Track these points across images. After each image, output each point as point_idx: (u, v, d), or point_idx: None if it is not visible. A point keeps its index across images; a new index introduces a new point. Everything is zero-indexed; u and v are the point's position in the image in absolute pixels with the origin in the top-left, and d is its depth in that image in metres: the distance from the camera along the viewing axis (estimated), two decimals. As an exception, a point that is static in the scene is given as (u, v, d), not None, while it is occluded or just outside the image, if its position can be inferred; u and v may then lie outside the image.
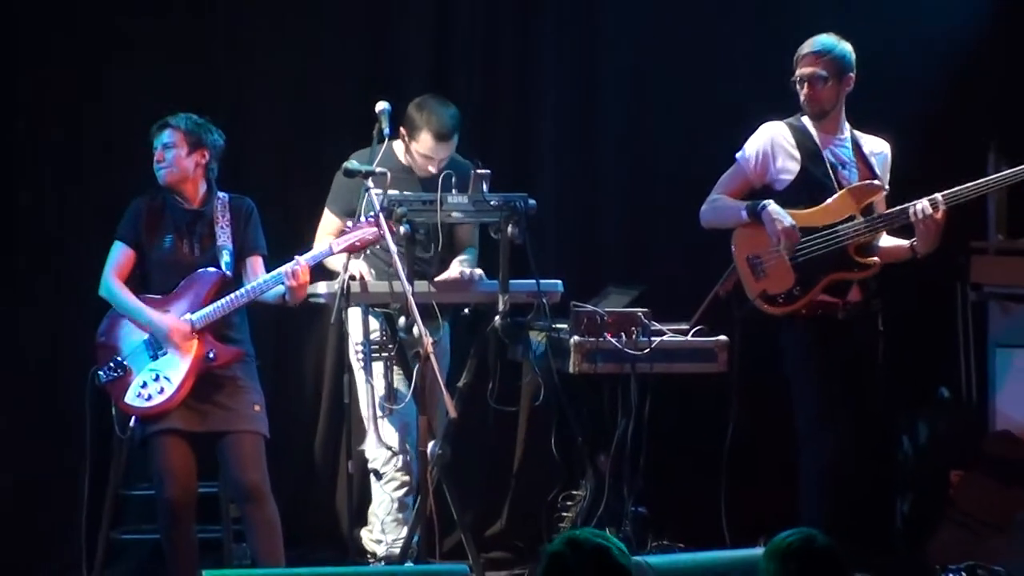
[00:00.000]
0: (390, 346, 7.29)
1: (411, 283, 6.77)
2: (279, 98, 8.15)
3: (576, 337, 7.25)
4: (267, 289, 6.81)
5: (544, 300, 7.18)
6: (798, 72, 7.08)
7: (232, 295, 6.79)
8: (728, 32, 8.46)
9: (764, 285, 7.08)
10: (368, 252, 7.15)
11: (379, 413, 7.32)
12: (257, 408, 6.86)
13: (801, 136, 7.12)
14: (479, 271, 7.27)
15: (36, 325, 7.92)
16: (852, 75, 7.08)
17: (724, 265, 7.19)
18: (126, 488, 7.47)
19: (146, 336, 6.83)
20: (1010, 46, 8.48)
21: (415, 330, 6.72)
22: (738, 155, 7.19)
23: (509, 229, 7.04)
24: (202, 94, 7.77)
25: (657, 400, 7.33)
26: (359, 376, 7.32)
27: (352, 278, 7.00)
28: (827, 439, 7.00)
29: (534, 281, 7.10)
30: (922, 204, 6.93)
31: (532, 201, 7.08)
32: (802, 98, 7.10)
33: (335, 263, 7.08)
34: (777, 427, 7.46)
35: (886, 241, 7.13)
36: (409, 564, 7.11)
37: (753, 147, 7.15)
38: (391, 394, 7.31)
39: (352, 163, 7.03)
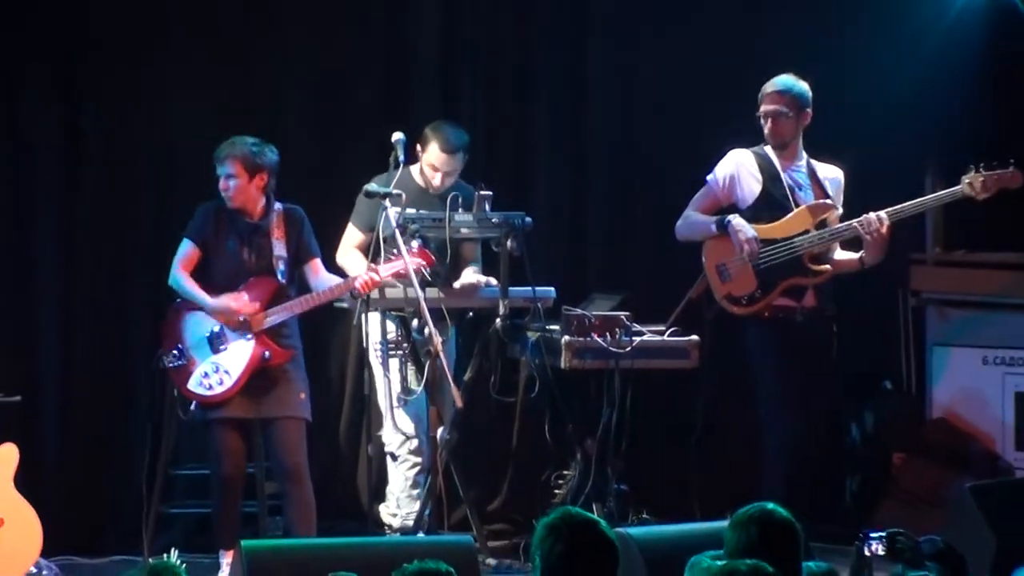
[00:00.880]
0: (404, 345, 7.41)
1: (423, 290, 6.94)
2: (306, 122, 8.19)
3: (567, 337, 7.31)
4: (335, 298, 6.97)
5: (539, 305, 7.36)
6: (762, 108, 7.24)
7: (297, 302, 6.90)
8: (712, 60, 8.45)
9: (729, 288, 7.24)
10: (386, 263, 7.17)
11: (395, 403, 7.44)
12: (302, 396, 6.96)
13: (763, 162, 7.29)
14: (492, 279, 7.39)
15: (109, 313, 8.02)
16: (809, 111, 7.26)
17: (696, 275, 7.35)
18: (174, 467, 7.57)
19: (208, 331, 6.90)
20: (944, 80, 8.48)
21: (426, 331, 6.93)
22: (708, 178, 7.37)
23: (508, 243, 7.21)
24: (239, 112, 7.91)
25: (637, 392, 7.37)
26: (377, 371, 7.47)
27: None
28: (785, 424, 7.15)
29: (530, 288, 7.28)
30: (868, 219, 7.08)
31: (528, 219, 7.28)
32: (766, 131, 7.26)
33: (353, 270, 7.19)
34: (742, 414, 7.57)
35: (839, 254, 7.33)
36: (421, 535, 7.22)
37: (721, 171, 7.32)
38: (405, 387, 7.44)
39: (372, 186, 7.17)
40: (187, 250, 6.99)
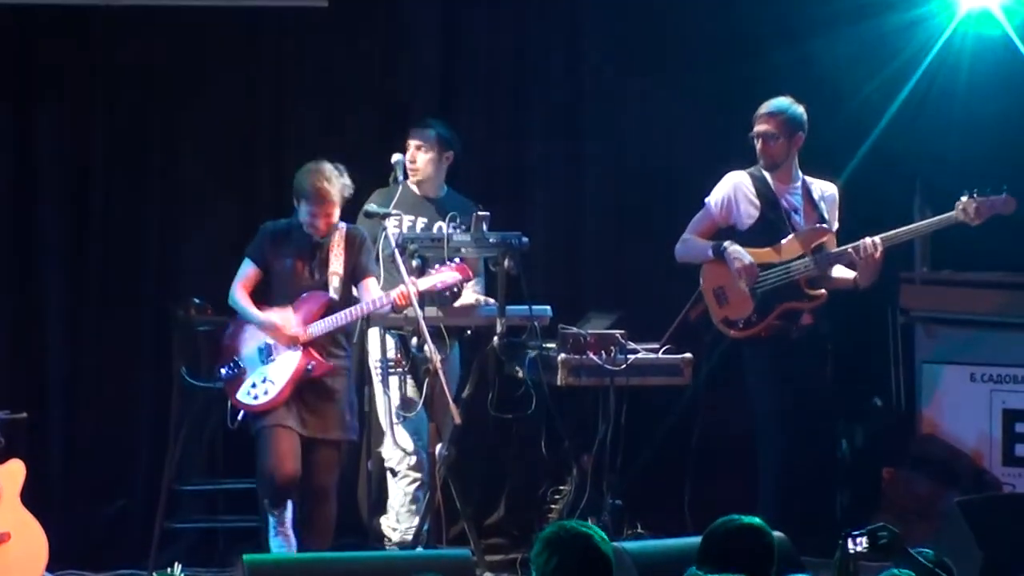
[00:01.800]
0: (404, 363, 7.44)
1: (422, 309, 6.95)
2: (310, 145, 8.17)
3: (563, 355, 7.33)
4: (375, 310, 6.96)
5: (535, 323, 7.37)
6: (755, 129, 7.23)
7: (342, 313, 6.92)
8: (707, 84, 8.47)
9: (726, 312, 7.28)
10: (386, 281, 7.21)
11: (395, 420, 7.46)
12: (348, 417, 7.02)
13: (760, 185, 7.31)
14: (490, 298, 7.41)
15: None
16: (802, 134, 7.28)
17: (689, 294, 7.37)
18: (179, 483, 7.57)
19: (261, 343, 6.95)
20: (932, 109, 8.52)
21: (425, 349, 6.93)
22: (706, 200, 7.41)
23: (506, 262, 7.21)
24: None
25: (632, 408, 7.39)
26: (378, 388, 7.50)
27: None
28: (780, 441, 7.19)
29: (527, 307, 7.30)
30: (863, 244, 7.12)
31: (525, 239, 7.30)
32: (757, 151, 7.23)
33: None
34: (736, 431, 7.61)
35: (836, 272, 7.33)
36: (420, 549, 7.22)
37: (719, 195, 7.36)
38: (405, 403, 7.46)
39: (371, 207, 7.23)
40: (246, 269, 7.06)
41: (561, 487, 7.66)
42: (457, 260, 7.05)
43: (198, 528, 7.71)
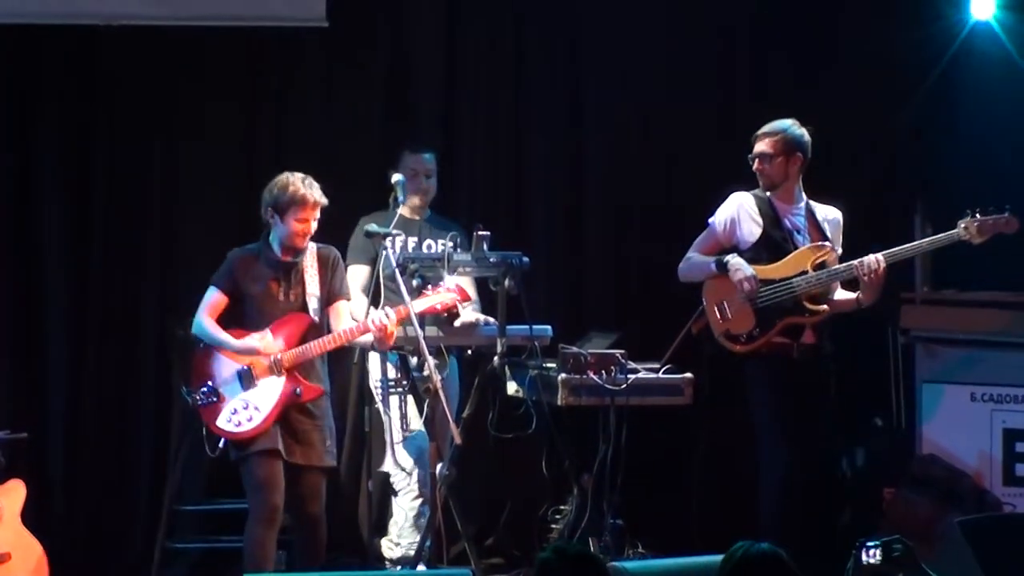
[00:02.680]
0: (405, 382, 7.41)
1: (422, 328, 6.92)
2: (310, 162, 8.19)
3: (563, 374, 7.29)
4: (357, 336, 6.82)
5: (536, 343, 7.33)
6: (753, 150, 7.21)
7: (323, 339, 6.79)
8: (708, 104, 8.56)
9: (728, 326, 7.24)
10: (386, 301, 7.16)
11: (395, 439, 7.45)
12: (328, 443, 6.86)
13: (763, 205, 7.29)
14: (490, 318, 7.40)
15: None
16: (800, 155, 7.24)
17: (691, 314, 7.33)
18: (179, 503, 7.57)
19: (238, 368, 6.76)
20: (931, 127, 8.55)
21: (426, 369, 6.90)
22: (710, 220, 7.38)
23: (506, 282, 7.18)
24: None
25: (632, 428, 7.33)
26: (378, 407, 7.48)
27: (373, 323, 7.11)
28: (782, 459, 7.12)
29: (527, 327, 7.25)
30: (866, 261, 7.09)
31: (526, 259, 7.26)
32: (755, 171, 7.23)
33: (359, 311, 7.14)
34: (740, 448, 7.57)
35: (838, 294, 7.32)
36: (421, 568, 7.20)
37: (723, 215, 7.33)
38: (405, 423, 7.45)
39: (372, 226, 7.19)
40: (212, 297, 6.85)
41: (562, 507, 7.66)
42: (454, 282, 6.98)
43: (199, 548, 7.69)
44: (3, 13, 7.88)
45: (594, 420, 7.41)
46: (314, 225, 6.82)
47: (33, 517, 6.98)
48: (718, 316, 7.25)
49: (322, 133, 8.33)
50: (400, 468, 7.45)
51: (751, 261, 7.19)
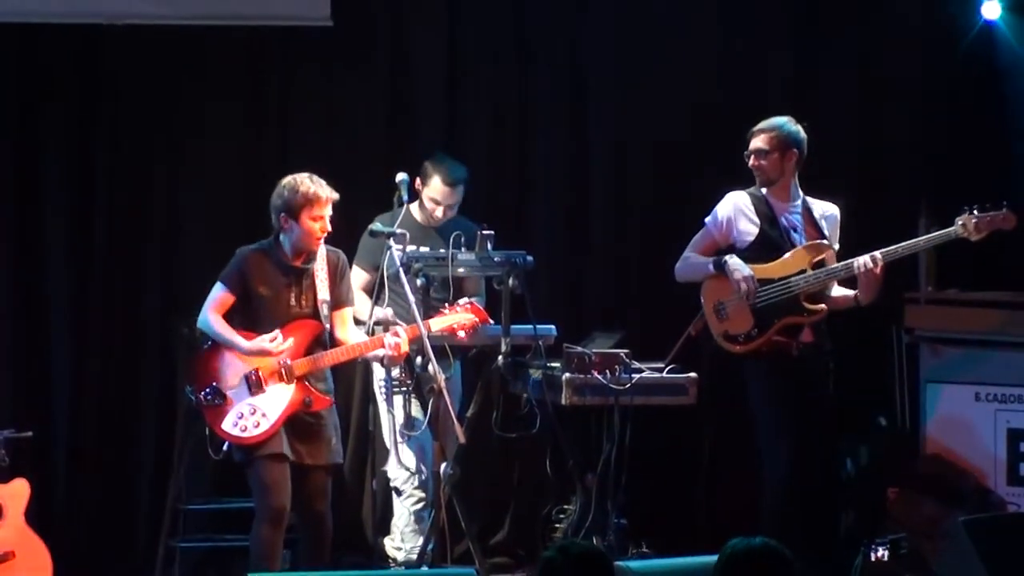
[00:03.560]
0: (408, 382, 7.25)
1: (426, 328, 6.89)
2: (314, 162, 8.16)
3: (567, 374, 7.31)
4: (369, 352, 6.80)
5: (540, 342, 7.35)
6: (749, 146, 7.20)
7: (336, 351, 6.74)
8: (708, 102, 8.52)
9: (726, 326, 7.23)
10: (391, 300, 7.20)
11: (399, 439, 7.42)
12: (334, 442, 6.83)
13: (760, 203, 7.27)
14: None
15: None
16: (796, 151, 7.21)
17: (693, 313, 7.33)
18: (183, 502, 7.56)
19: (246, 372, 6.68)
20: (936, 125, 8.56)
21: (430, 368, 6.89)
22: (707, 220, 7.37)
23: (510, 281, 7.18)
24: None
25: (636, 428, 7.35)
26: (382, 407, 7.47)
27: (377, 323, 7.10)
28: (782, 458, 7.12)
29: (532, 326, 7.26)
30: (863, 259, 7.09)
31: (530, 258, 7.27)
32: (751, 167, 7.21)
33: (363, 312, 7.15)
34: (744, 447, 7.55)
35: (836, 291, 7.30)
36: (425, 568, 7.20)
37: (719, 214, 7.33)
38: (409, 423, 7.40)
39: (376, 225, 7.19)
40: (219, 295, 6.75)
41: (566, 506, 7.66)
42: (469, 302, 6.97)
43: (202, 547, 7.68)
44: (6, 12, 7.89)
45: (598, 420, 7.43)
46: (328, 223, 6.74)
47: (37, 516, 6.97)
48: (716, 317, 7.24)
49: (324, 132, 8.33)
50: (403, 468, 7.44)
51: (747, 260, 7.17)
